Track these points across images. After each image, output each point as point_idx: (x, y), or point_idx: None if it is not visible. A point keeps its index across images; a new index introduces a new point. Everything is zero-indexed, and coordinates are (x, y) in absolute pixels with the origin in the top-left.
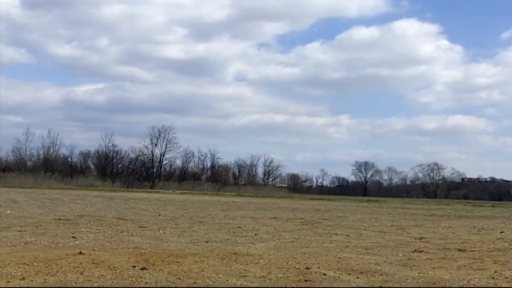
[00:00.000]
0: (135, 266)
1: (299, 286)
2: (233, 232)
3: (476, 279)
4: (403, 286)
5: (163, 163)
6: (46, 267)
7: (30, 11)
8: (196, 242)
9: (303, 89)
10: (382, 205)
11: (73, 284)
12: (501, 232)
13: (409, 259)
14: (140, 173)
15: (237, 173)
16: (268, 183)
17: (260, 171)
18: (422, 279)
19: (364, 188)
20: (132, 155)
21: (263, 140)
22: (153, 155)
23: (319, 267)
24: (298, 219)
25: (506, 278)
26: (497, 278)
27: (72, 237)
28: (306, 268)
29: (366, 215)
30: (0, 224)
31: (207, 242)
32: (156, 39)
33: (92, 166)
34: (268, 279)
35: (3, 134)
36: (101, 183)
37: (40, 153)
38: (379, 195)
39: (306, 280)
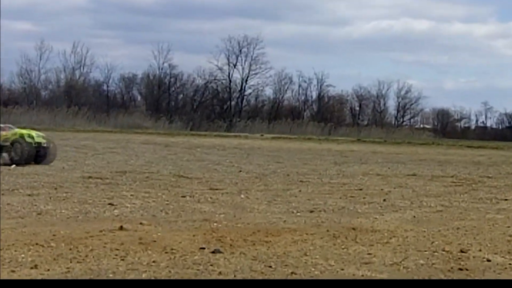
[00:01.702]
0: (203, 248)
1: (450, 278)
2: (351, 196)
3: None
4: None
5: (246, 93)
6: (70, 249)
7: None
8: (295, 211)
9: None
10: None
11: (110, 275)
12: None
13: None
14: (212, 108)
15: (357, 108)
16: (404, 123)
17: (391, 105)
18: None
19: None
20: (199, 81)
21: (395, 59)
22: (230, 82)
23: (480, 250)
24: (448, 177)
25: None
26: None
27: (109, 204)
28: (461, 251)
29: None
30: (2, 185)
31: (311, 212)
32: None
33: (139, 97)
34: (403, 267)
35: (6, 49)
36: (152, 123)
37: (61, 78)
38: None
39: (460, 269)
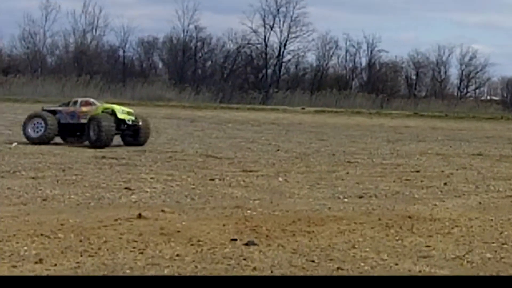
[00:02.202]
0: (235, 240)
1: None
2: (406, 180)
3: None
4: None
5: (285, 59)
6: (80, 241)
7: None
8: (341, 197)
9: None
10: None
11: (127, 270)
12: None
13: None
14: (245, 77)
15: (414, 77)
16: (468, 94)
17: (453, 73)
18: None
19: None
20: (231, 46)
21: (458, 20)
22: (266, 46)
23: None
24: None
25: None
26: None
27: (126, 188)
28: None
29: None
30: (2, 166)
31: (361, 197)
32: None
33: (161, 65)
34: (467, 261)
35: (6, 8)
36: (175, 94)
37: (70, 42)
38: None
39: None
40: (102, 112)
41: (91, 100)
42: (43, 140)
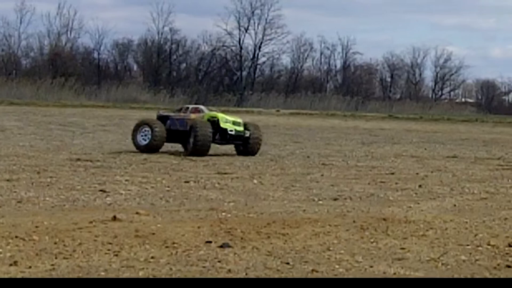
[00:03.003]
0: (210, 242)
1: (496, 277)
2: (381, 182)
3: None
4: None
5: (259, 61)
6: (55, 243)
7: None
8: (316, 199)
9: None
10: None
11: (102, 273)
12: None
13: None
14: (219, 79)
15: (388, 80)
16: (443, 96)
17: (428, 75)
18: None
19: None
20: (205, 48)
21: (433, 22)
22: (241, 48)
23: None
24: (494, 159)
25: None
26: None
27: (101, 190)
28: (509, 246)
29: None
30: None
31: (335, 199)
32: None
33: (135, 67)
34: (442, 264)
35: None
36: (150, 96)
37: (45, 44)
38: None
39: (508, 266)
40: (208, 120)
41: (201, 107)
42: (151, 148)
